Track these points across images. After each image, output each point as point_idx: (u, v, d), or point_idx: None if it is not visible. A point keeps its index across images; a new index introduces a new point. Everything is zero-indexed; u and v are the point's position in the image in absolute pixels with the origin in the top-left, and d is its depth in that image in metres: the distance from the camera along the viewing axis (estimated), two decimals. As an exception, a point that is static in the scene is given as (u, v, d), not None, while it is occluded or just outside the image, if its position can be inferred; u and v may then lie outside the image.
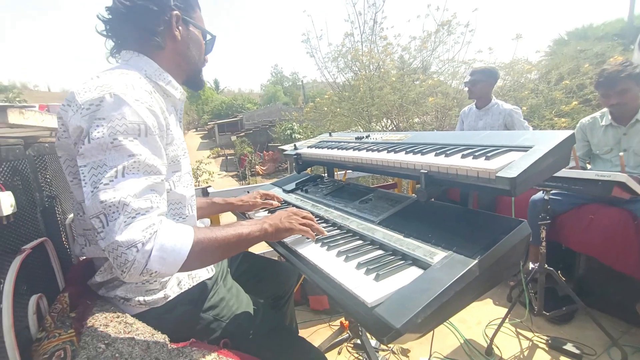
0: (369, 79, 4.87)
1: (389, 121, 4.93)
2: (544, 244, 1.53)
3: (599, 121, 1.90)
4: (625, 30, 9.15)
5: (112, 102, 0.61)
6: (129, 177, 0.59)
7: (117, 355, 0.64)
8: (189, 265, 0.62)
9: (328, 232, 0.92)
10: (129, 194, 0.58)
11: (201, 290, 0.81)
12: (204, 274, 0.84)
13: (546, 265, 1.54)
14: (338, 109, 5.28)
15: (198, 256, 0.63)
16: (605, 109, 1.88)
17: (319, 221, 1.04)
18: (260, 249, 2.76)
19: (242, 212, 1.27)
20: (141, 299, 0.73)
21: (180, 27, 0.78)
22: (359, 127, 5.07)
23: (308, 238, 0.85)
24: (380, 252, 0.76)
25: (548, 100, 4.15)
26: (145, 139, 0.63)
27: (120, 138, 0.59)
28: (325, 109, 5.67)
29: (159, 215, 0.61)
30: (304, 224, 0.84)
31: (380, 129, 4.97)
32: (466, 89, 2.55)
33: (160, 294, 0.74)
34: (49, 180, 0.95)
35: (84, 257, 0.98)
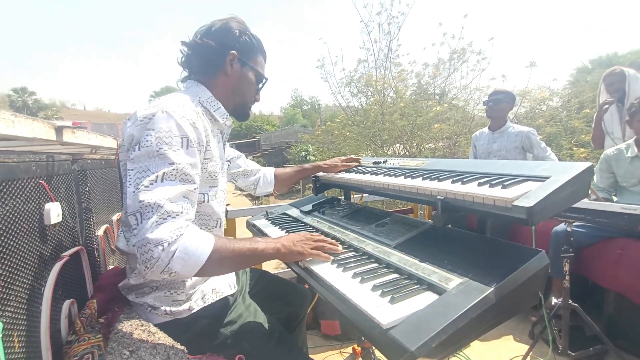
0: (381, 104, 4.91)
1: (401, 146, 4.91)
2: (567, 277, 1.48)
3: (625, 152, 1.86)
4: (652, 59, 9.04)
5: (162, 117, 0.71)
6: (167, 183, 0.67)
7: (139, 362, 0.67)
8: (205, 270, 0.67)
9: (344, 254, 0.94)
10: (164, 197, 0.65)
11: (223, 305, 0.84)
12: (227, 289, 0.87)
13: (570, 301, 1.47)
14: (348, 133, 5.30)
15: (214, 264, 0.68)
16: (630, 141, 1.85)
17: (335, 243, 1.06)
18: (278, 267, 2.76)
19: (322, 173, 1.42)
20: (167, 308, 0.76)
21: (233, 65, 0.90)
22: (370, 151, 5.06)
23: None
24: (395, 275, 0.77)
25: (567, 129, 4.06)
26: (186, 150, 0.72)
27: (165, 148, 0.68)
28: (336, 132, 5.70)
29: (187, 220, 0.67)
30: (315, 248, 0.87)
31: (391, 154, 4.97)
32: (484, 107, 2.59)
33: (185, 306, 0.78)
34: (87, 193, 1.04)
35: (113, 266, 1.04)
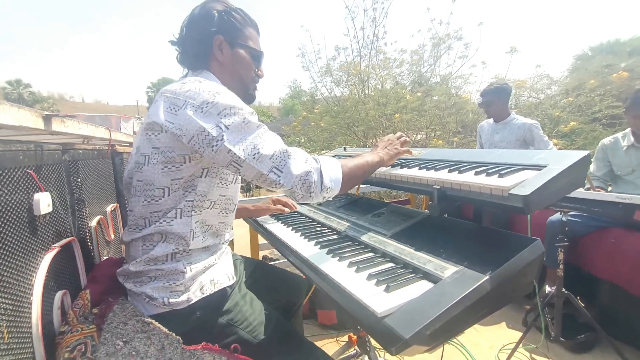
0: (359, 94, 4.71)
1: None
2: (561, 266, 1.49)
3: (621, 142, 1.86)
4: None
5: (223, 98, 0.73)
6: (268, 136, 0.76)
7: (133, 353, 0.66)
8: (344, 184, 0.81)
9: (339, 243, 0.93)
10: (279, 144, 0.76)
11: (220, 296, 0.83)
12: (226, 281, 0.86)
13: (564, 289, 1.49)
14: (322, 124, 5.05)
15: (348, 176, 0.83)
16: (627, 130, 1.84)
17: (331, 233, 1.05)
18: (273, 258, 2.77)
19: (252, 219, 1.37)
20: (166, 300, 0.75)
21: (223, 50, 0.87)
22: (349, 144, 4.83)
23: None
24: (391, 264, 0.77)
25: (552, 119, 3.94)
26: (252, 115, 0.77)
27: (245, 116, 0.74)
28: (312, 123, 5.44)
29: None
30: (402, 144, 1.04)
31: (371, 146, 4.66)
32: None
33: (184, 297, 0.77)
34: (79, 184, 1.02)
35: (107, 257, 1.03)
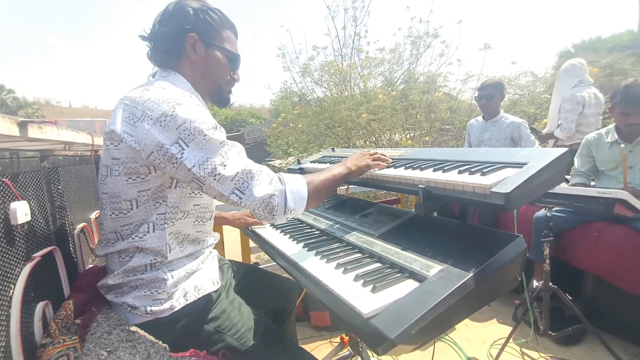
0: (340, 93, 4.60)
1: (365, 141, 4.45)
2: (548, 261, 1.52)
3: (605, 137, 1.90)
4: (635, 42, 9.08)
5: (183, 110, 0.69)
6: (232, 155, 0.73)
7: (118, 363, 0.65)
8: (309, 202, 0.79)
9: (328, 245, 0.93)
10: (244, 164, 0.73)
11: (206, 302, 0.82)
12: (210, 286, 0.85)
13: (550, 283, 1.52)
14: (300, 125, 4.83)
15: (313, 194, 0.80)
16: (611, 126, 1.88)
17: (320, 234, 1.05)
18: (263, 262, 2.75)
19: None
20: (148, 308, 0.74)
21: (197, 49, 0.83)
22: (327, 146, 4.49)
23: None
24: (378, 264, 0.77)
25: (530, 117, 3.95)
26: (215, 130, 0.73)
27: (206, 132, 0.70)
28: (291, 124, 5.23)
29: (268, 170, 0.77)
30: (374, 159, 1.01)
31: (359, 148, 4.57)
32: (475, 102, 2.60)
33: (167, 305, 0.76)
34: (60, 191, 0.99)
35: (92, 265, 1.00)
